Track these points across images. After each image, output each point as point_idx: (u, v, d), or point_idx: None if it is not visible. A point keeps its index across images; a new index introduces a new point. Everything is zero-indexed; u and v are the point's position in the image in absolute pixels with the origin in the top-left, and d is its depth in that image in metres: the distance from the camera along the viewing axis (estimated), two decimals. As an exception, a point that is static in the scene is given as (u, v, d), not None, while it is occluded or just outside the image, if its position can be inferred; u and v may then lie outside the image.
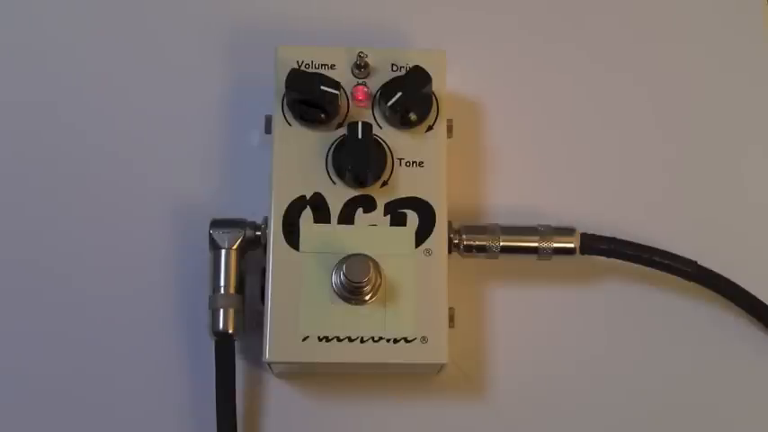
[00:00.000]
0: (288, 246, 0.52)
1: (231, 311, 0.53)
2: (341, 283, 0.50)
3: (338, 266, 0.51)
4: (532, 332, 0.56)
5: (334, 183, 0.53)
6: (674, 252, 0.55)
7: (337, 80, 0.53)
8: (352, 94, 0.54)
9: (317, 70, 0.54)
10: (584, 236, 0.54)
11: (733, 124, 0.60)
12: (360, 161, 0.52)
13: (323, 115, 0.53)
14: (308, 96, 0.52)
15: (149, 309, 0.55)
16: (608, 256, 0.55)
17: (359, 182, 0.52)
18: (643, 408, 0.55)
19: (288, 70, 0.53)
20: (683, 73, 0.61)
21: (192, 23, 0.60)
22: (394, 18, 0.60)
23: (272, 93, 0.53)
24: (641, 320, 0.57)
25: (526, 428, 0.55)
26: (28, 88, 0.59)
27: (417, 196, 0.53)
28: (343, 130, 0.53)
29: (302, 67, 0.54)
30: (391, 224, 0.52)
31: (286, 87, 0.52)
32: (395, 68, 0.54)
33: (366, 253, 0.51)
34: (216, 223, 0.54)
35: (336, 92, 0.52)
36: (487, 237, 0.54)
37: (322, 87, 0.52)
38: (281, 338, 0.50)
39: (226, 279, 0.53)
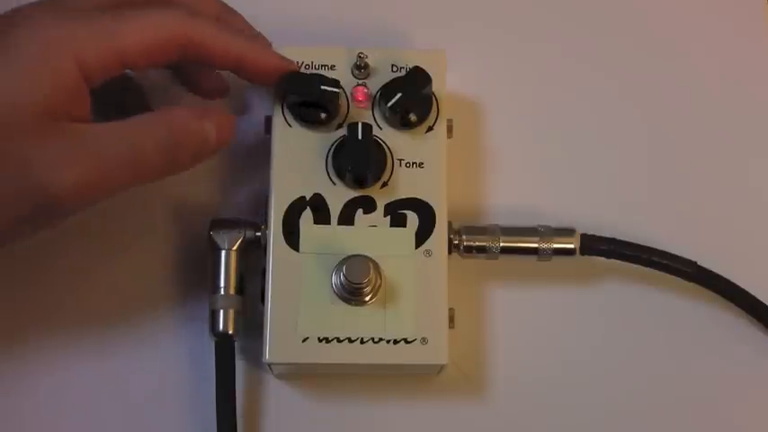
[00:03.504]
0: (288, 246, 0.52)
1: (231, 312, 0.53)
2: (341, 283, 0.50)
3: (338, 267, 0.51)
4: (532, 333, 0.56)
5: (334, 183, 0.53)
6: (673, 252, 0.55)
7: (337, 78, 0.52)
8: (352, 94, 0.54)
9: (316, 71, 0.54)
10: (584, 236, 0.54)
11: (733, 124, 0.60)
12: (360, 162, 0.52)
13: (323, 115, 0.53)
14: (309, 97, 0.52)
15: (149, 309, 0.55)
16: (608, 256, 0.55)
17: (359, 183, 0.52)
18: (643, 408, 0.55)
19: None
20: (683, 73, 0.61)
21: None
22: (394, 18, 0.60)
23: (272, 93, 0.53)
24: (641, 321, 0.57)
25: (526, 428, 0.55)
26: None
27: (417, 197, 0.53)
28: (343, 131, 0.53)
29: (302, 68, 0.54)
30: (391, 225, 0.52)
31: (286, 91, 0.52)
32: (395, 69, 0.54)
33: (366, 254, 0.51)
34: (216, 224, 0.53)
35: (337, 90, 0.52)
36: (487, 237, 0.54)
37: (322, 87, 0.52)
38: (280, 339, 0.50)
39: (226, 280, 0.53)
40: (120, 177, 0.47)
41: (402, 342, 0.51)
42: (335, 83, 0.52)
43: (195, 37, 0.49)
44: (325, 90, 0.52)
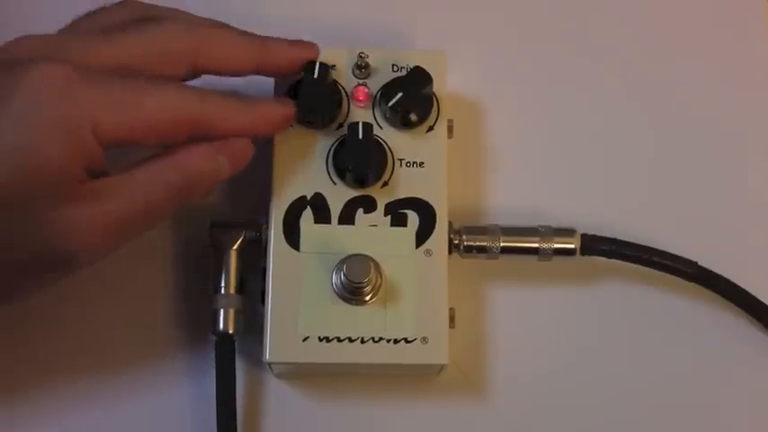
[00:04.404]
0: (288, 246, 0.52)
1: (231, 312, 0.52)
2: (341, 283, 0.50)
3: (338, 267, 0.51)
4: (532, 332, 0.56)
5: (334, 183, 0.53)
6: (674, 252, 0.55)
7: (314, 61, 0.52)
8: (352, 94, 0.54)
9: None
10: (584, 237, 0.54)
11: (734, 124, 0.60)
12: (360, 161, 0.52)
13: (325, 117, 0.53)
14: (320, 98, 0.52)
15: (149, 309, 0.55)
16: (608, 256, 0.55)
17: (359, 182, 0.52)
18: (643, 408, 0.55)
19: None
20: (683, 73, 0.61)
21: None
22: (394, 19, 0.60)
23: (272, 93, 0.53)
24: (641, 321, 0.57)
25: (526, 428, 0.55)
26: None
27: (418, 197, 0.53)
28: (343, 131, 0.53)
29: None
30: (392, 225, 0.52)
31: (311, 115, 0.52)
32: (395, 69, 0.54)
33: (366, 253, 0.51)
34: (216, 224, 0.53)
35: (316, 61, 0.52)
36: (488, 237, 0.54)
37: (314, 77, 0.52)
38: (281, 339, 0.50)
39: (226, 279, 0.53)
40: (136, 228, 0.47)
41: (402, 342, 0.51)
42: (313, 64, 0.52)
43: (205, 120, 0.48)
44: (320, 75, 0.52)
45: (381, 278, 0.51)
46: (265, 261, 0.52)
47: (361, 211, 0.52)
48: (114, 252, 0.48)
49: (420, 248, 0.52)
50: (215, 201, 0.57)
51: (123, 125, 0.46)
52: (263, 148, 0.54)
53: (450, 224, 0.53)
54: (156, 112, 0.47)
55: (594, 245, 0.54)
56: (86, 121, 0.45)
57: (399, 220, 0.52)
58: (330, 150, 0.53)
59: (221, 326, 0.52)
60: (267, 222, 0.52)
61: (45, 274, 0.47)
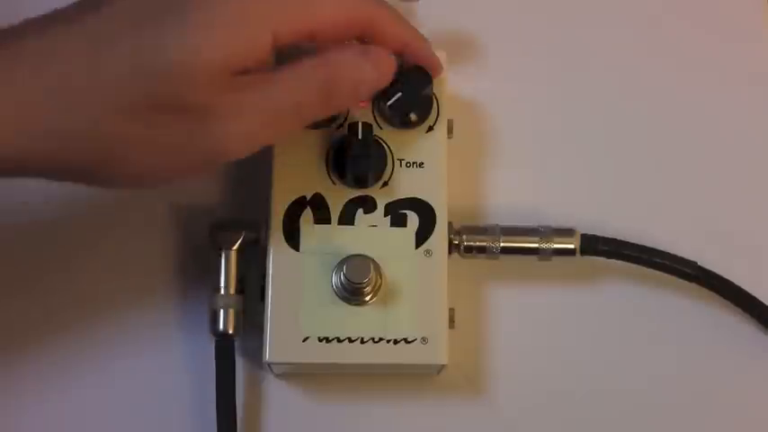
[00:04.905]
0: (288, 246, 0.52)
1: (231, 312, 0.53)
2: (341, 283, 0.50)
3: (338, 267, 0.51)
4: (532, 333, 0.56)
5: (334, 183, 0.53)
6: (674, 252, 0.55)
7: None
8: (352, 94, 0.54)
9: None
10: (584, 237, 0.54)
11: (734, 124, 0.60)
12: (360, 162, 0.52)
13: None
14: None
15: (149, 308, 0.55)
16: (608, 256, 0.55)
17: (359, 182, 0.52)
18: (642, 408, 0.55)
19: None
20: (683, 73, 0.61)
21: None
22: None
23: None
24: (641, 321, 0.57)
25: (526, 429, 0.55)
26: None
27: (418, 197, 0.53)
28: (343, 131, 0.53)
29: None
30: (391, 225, 0.52)
31: None
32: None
33: (366, 254, 0.51)
34: (216, 224, 0.53)
35: None
36: (488, 237, 0.54)
37: None
38: (281, 339, 0.50)
39: (226, 279, 0.53)
40: (284, 126, 0.48)
41: (402, 342, 0.51)
42: None
43: (377, 21, 0.49)
44: None
45: (381, 278, 0.51)
46: (265, 261, 0.52)
47: (360, 211, 0.52)
48: (266, 145, 0.49)
49: (420, 249, 0.52)
50: (215, 201, 0.57)
51: (299, 27, 0.47)
52: (263, 148, 0.54)
53: (450, 224, 0.53)
54: (331, 13, 0.48)
55: (594, 245, 0.54)
56: (265, 27, 0.46)
57: (399, 221, 0.52)
58: (330, 150, 0.53)
59: (221, 326, 0.52)
60: (267, 222, 0.52)
61: (200, 161, 0.47)
